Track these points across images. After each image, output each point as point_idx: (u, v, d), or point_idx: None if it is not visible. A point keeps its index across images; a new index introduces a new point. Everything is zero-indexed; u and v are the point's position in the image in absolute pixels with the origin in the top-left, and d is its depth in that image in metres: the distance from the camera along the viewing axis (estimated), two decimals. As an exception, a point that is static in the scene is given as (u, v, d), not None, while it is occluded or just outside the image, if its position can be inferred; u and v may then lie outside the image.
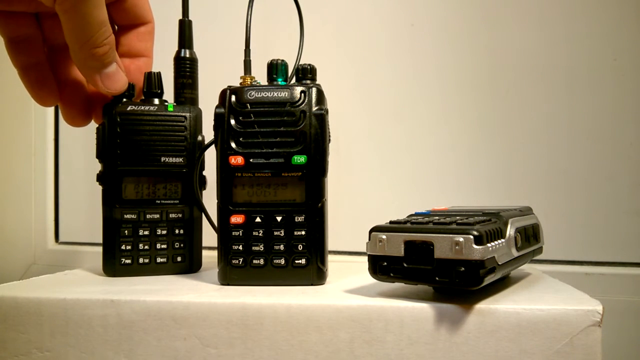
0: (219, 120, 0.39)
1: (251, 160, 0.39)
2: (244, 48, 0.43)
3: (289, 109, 0.39)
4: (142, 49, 0.42)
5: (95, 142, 0.43)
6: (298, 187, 0.39)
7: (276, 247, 0.39)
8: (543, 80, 0.60)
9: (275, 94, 0.39)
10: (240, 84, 0.41)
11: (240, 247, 0.39)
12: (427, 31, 0.63)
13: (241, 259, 0.39)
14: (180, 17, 0.47)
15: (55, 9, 0.33)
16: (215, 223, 0.41)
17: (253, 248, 0.39)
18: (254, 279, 0.39)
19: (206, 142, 0.45)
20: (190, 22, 0.47)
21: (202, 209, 0.46)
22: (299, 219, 0.39)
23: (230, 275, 0.39)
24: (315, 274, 0.39)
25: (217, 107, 0.40)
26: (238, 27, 0.44)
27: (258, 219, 0.39)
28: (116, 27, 0.42)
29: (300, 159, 0.39)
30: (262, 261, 0.39)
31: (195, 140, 0.45)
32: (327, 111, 0.39)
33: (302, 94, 0.39)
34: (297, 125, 0.39)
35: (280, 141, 0.39)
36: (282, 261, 0.39)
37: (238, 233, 0.39)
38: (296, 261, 0.39)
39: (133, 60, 0.43)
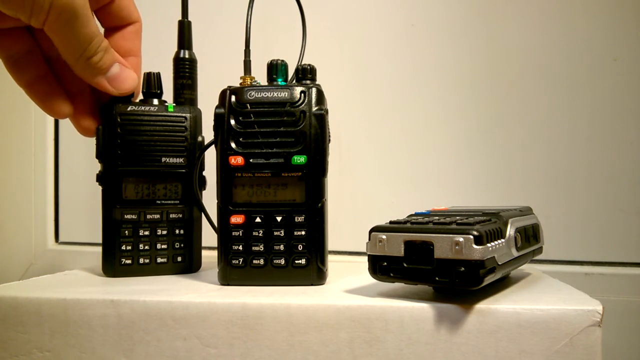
0: (219, 121, 0.39)
1: (251, 160, 0.39)
2: (244, 48, 0.43)
3: (288, 109, 0.39)
4: (129, 48, 0.42)
5: (95, 142, 0.43)
6: (298, 187, 0.39)
7: (276, 247, 0.39)
8: (543, 80, 0.60)
9: (275, 94, 0.39)
10: (240, 84, 0.41)
11: (240, 247, 0.39)
12: (427, 31, 0.63)
13: (241, 259, 0.39)
14: (180, 18, 0.47)
15: (44, 29, 0.34)
16: (215, 223, 0.41)
17: (253, 248, 0.39)
18: (254, 279, 0.39)
19: (206, 143, 0.45)
20: (189, 23, 0.47)
21: (202, 209, 0.46)
22: (299, 219, 0.39)
23: (230, 275, 0.39)
24: (315, 274, 0.39)
25: (217, 107, 0.39)
26: (238, 27, 0.44)
27: (258, 219, 0.39)
28: (103, 29, 0.42)
29: (300, 159, 0.39)
30: (262, 261, 0.39)
31: (195, 141, 0.45)
32: (327, 111, 0.39)
33: (302, 94, 0.39)
34: (297, 126, 0.39)
35: (280, 141, 0.39)
36: (282, 261, 0.39)
37: (238, 233, 0.39)
38: (296, 261, 0.39)
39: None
